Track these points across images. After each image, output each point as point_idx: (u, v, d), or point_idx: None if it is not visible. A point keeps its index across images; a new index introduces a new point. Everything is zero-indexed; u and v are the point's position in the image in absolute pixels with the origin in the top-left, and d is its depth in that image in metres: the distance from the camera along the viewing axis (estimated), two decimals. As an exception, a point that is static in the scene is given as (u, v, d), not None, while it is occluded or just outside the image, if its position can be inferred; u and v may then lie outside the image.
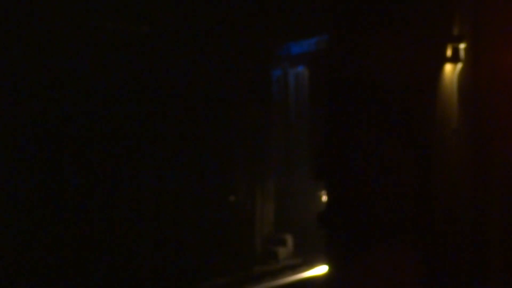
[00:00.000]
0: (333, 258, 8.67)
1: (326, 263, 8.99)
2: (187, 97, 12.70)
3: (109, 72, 11.85)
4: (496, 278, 7.00)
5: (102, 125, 11.79)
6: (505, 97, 7.03)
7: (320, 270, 11.94)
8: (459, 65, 7.48)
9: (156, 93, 12.39)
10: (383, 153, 8.09)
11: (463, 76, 7.42)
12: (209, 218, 13.04)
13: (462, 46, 7.45)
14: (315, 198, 12.74)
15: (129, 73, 12.08)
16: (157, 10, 12.20)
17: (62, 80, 11.41)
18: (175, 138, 12.62)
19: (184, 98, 12.67)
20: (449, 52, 7.56)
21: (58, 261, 11.42)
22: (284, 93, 14.75)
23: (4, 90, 10.90)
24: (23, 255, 11.10)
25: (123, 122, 12.01)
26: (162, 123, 12.43)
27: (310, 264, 12.61)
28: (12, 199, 10.91)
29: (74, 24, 11.41)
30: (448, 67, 7.66)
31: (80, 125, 11.55)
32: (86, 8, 11.55)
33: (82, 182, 11.64)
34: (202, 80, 12.91)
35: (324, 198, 9.19)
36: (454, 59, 7.55)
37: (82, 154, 11.58)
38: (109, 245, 11.97)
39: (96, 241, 11.76)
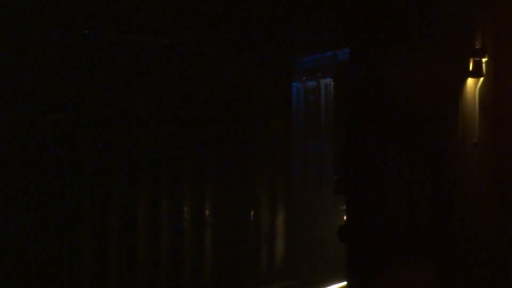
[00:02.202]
0: (352, 274, 8.60)
1: (346, 279, 8.91)
2: (206, 109, 12.67)
3: (127, 84, 11.85)
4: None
5: (120, 137, 11.78)
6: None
7: (341, 286, 11.84)
8: (481, 79, 7.40)
9: (175, 105, 12.37)
10: (403, 167, 8.01)
11: (485, 90, 7.34)
12: (228, 233, 12.98)
13: (484, 60, 7.37)
14: (339, 213, 12.64)
15: (148, 85, 12.09)
16: (179, 21, 12.20)
17: (82, 90, 11.44)
18: (193, 152, 12.58)
19: (204, 110, 12.64)
20: (471, 67, 7.48)
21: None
22: (316, 104, 14.65)
23: (24, 99, 10.95)
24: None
25: (140, 135, 11.99)
26: (181, 136, 12.40)
27: (331, 280, 12.51)
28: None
29: (93, 36, 11.45)
30: (470, 82, 7.58)
31: (95, 136, 11.55)
32: (107, 20, 11.58)
33: (99, 197, 11.65)
34: (222, 93, 12.88)
35: (345, 212, 9.10)
36: (476, 73, 7.46)
37: (96, 170, 11.58)
38: (130, 260, 11.95)
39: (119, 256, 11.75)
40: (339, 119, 13.27)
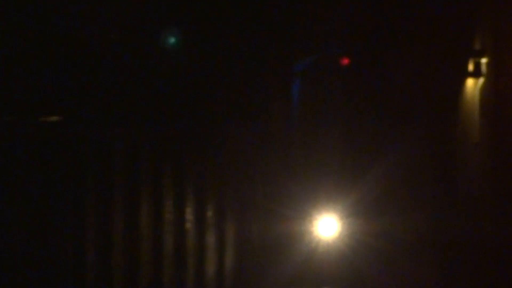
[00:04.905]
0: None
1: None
2: (218, 108, 12.59)
3: (119, 83, 11.82)
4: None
5: (118, 137, 11.78)
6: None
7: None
8: (481, 80, 7.44)
9: (178, 103, 12.34)
10: (403, 168, 8.07)
11: (485, 90, 7.38)
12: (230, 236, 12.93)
13: (484, 60, 7.41)
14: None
15: (145, 85, 12.06)
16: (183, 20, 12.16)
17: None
18: (196, 151, 12.57)
19: (216, 109, 12.57)
20: (471, 67, 7.53)
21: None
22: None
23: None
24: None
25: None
26: (169, 138, 12.35)
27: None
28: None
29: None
30: (470, 82, 7.63)
31: (94, 137, 11.51)
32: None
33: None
34: (224, 94, 12.85)
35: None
36: (476, 73, 7.51)
37: (97, 172, 11.56)
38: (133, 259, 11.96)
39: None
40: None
